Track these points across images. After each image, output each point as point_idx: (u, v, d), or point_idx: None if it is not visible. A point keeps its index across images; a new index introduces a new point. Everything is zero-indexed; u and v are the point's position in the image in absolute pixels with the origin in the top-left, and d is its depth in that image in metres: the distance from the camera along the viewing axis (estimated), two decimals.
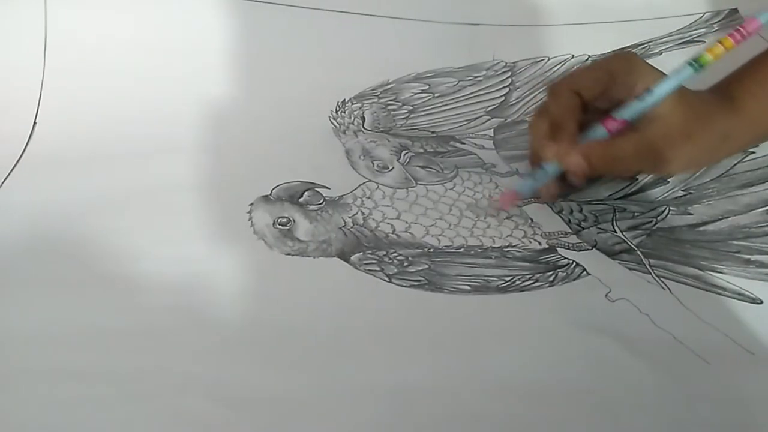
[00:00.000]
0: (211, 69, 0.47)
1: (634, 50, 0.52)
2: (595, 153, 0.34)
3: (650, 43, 0.53)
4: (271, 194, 0.38)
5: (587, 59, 0.51)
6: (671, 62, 0.50)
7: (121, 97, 0.44)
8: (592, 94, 0.35)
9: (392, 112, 0.46)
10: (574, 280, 0.34)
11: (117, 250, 0.34)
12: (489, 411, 0.28)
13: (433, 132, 0.45)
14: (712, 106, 0.34)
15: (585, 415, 0.28)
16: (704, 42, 0.53)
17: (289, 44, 0.49)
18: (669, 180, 0.40)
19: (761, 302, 0.34)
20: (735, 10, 0.56)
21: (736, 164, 0.41)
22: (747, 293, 0.34)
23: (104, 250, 0.34)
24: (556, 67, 0.50)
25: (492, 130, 0.45)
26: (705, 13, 0.56)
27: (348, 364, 0.29)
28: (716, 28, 0.55)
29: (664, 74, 0.34)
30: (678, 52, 0.52)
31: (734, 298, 0.34)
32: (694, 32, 0.54)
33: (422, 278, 0.34)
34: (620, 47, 0.52)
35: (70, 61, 0.45)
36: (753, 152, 0.42)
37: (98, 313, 0.31)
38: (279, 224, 0.36)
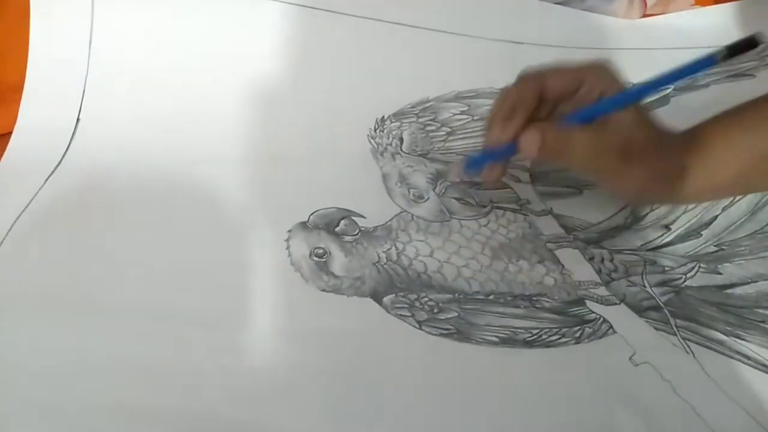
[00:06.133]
0: (253, 73, 0.46)
1: None
2: (551, 135, 0.33)
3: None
4: (308, 221, 0.38)
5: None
6: (719, 95, 0.50)
7: (161, 101, 0.44)
8: (557, 94, 0.34)
9: (430, 134, 0.46)
10: (600, 338, 0.35)
11: (151, 274, 0.35)
12: None
13: None
14: (676, 141, 0.34)
15: None
16: (755, 76, 0.52)
17: (331, 51, 0.49)
18: (702, 233, 0.40)
19: None
20: None
21: None
22: None
23: (140, 273, 0.35)
24: None
25: (529, 161, 0.45)
26: None
27: (372, 412, 0.31)
28: None
29: (629, 86, 0.34)
30: (728, 84, 0.51)
31: (758, 368, 0.35)
32: (744, 65, 0.53)
33: (451, 327, 0.34)
34: None
35: (115, 60, 0.45)
36: None
37: (132, 342, 0.32)
38: (315, 255, 0.37)
